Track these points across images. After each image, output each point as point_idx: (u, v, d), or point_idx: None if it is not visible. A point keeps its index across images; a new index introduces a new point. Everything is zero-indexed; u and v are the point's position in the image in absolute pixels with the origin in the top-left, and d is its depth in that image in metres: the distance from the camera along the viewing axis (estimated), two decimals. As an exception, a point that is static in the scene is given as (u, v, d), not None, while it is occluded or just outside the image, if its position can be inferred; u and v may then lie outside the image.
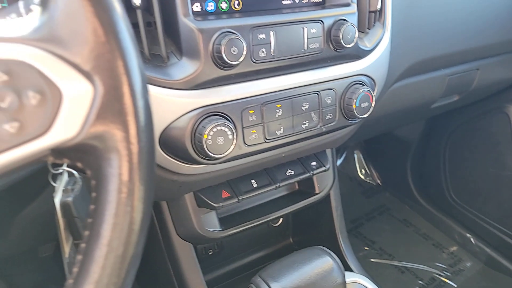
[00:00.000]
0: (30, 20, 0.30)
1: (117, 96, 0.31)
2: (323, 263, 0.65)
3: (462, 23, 1.04)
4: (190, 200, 0.81)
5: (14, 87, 0.28)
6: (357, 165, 1.98)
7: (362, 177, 1.97)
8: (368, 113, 0.78)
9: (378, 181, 1.95)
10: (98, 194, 0.33)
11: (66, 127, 0.30)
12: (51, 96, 0.29)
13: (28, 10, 0.40)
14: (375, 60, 0.81)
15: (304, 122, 0.73)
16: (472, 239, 1.60)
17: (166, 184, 0.71)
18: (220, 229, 0.85)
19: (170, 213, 0.84)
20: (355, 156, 1.99)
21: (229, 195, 0.81)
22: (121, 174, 0.33)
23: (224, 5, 0.67)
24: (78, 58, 0.30)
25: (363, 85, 0.78)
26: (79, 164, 0.34)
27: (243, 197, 0.81)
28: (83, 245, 0.34)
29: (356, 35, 0.72)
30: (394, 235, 1.68)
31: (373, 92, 0.78)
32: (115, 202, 0.33)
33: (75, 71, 0.30)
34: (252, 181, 0.84)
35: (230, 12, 0.68)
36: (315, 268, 0.64)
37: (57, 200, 0.53)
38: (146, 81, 0.34)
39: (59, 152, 0.31)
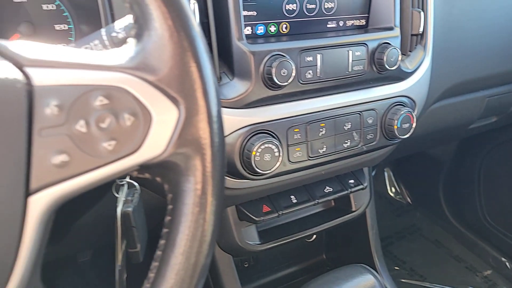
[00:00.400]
0: (126, 50, 0.34)
1: (197, 120, 0.35)
2: (365, 280, 0.66)
3: (502, 45, 1.04)
4: (232, 213, 0.84)
5: (113, 110, 0.32)
6: (387, 183, 1.96)
7: (392, 195, 1.95)
8: (409, 133, 0.79)
9: (409, 200, 1.92)
10: (174, 207, 0.36)
11: (154, 146, 0.34)
12: (143, 118, 0.33)
13: (110, 37, 0.45)
14: (416, 81, 0.83)
15: (346, 141, 0.75)
16: (507, 264, 1.55)
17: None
18: (259, 243, 0.87)
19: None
20: (385, 173, 1.97)
21: (270, 209, 0.83)
22: (196, 189, 0.36)
23: (273, 29, 0.71)
24: (166, 85, 0.34)
25: (404, 106, 0.80)
26: (158, 179, 0.37)
27: (283, 212, 0.84)
28: (159, 252, 0.37)
29: (399, 58, 0.74)
30: (425, 256, 1.65)
31: (414, 113, 0.80)
32: (190, 215, 0.36)
33: (163, 96, 0.34)
34: (292, 196, 0.86)
35: (278, 35, 0.72)
36: (357, 285, 0.65)
37: (119, 209, 0.57)
38: (221, 106, 0.37)
39: (144, 167, 0.35)
